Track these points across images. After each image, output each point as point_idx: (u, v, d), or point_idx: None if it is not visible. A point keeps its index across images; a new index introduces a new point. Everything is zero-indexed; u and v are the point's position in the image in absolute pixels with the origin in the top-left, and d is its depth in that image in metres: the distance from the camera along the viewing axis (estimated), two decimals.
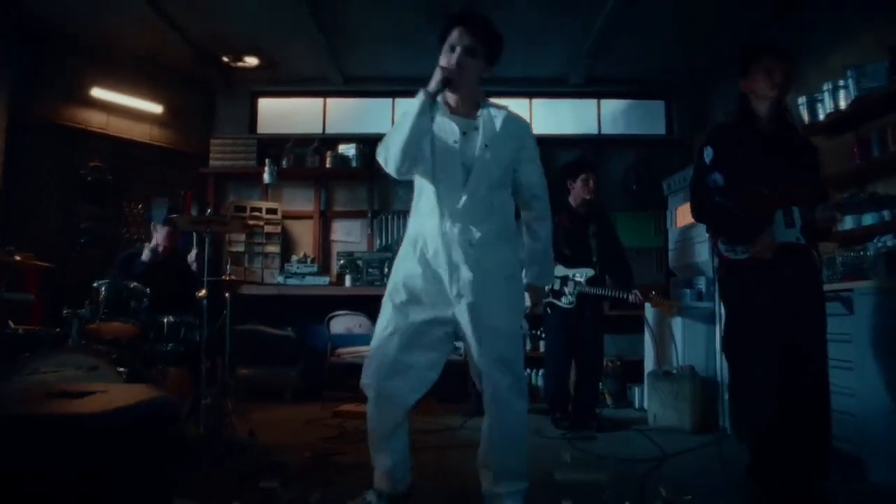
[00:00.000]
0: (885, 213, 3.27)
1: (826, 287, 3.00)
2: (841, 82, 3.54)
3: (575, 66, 5.73)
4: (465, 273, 1.95)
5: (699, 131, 5.92)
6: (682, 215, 4.76)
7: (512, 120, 2.06)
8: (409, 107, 1.93)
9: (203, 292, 3.22)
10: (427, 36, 4.93)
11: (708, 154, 2.46)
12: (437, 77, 1.91)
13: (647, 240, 5.71)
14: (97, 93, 5.25)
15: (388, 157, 1.96)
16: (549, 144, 6.16)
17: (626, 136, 6.24)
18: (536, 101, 6.28)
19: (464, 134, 2.00)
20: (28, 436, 1.00)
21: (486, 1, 4.51)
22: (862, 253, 3.16)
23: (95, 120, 5.31)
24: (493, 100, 2.11)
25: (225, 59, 5.62)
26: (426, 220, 2.02)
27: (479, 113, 2.04)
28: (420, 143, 1.94)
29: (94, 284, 3.04)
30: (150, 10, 4.59)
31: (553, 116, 6.28)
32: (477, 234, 1.96)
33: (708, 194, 2.44)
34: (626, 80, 6.12)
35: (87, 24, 4.93)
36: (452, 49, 1.96)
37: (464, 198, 1.96)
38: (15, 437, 0.99)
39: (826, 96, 3.64)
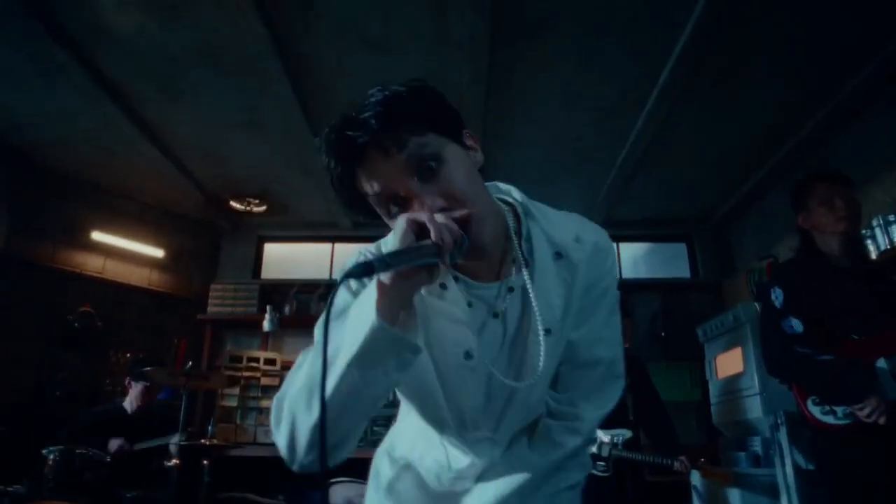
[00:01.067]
0: None
1: None
2: (892, 217, 3.25)
3: (592, 208, 5.56)
4: None
5: (725, 273, 5.63)
6: (724, 365, 4.28)
7: (597, 252, 1.04)
8: (345, 336, 0.84)
9: (175, 461, 2.70)
10: None
11: (777, 296, 2.08)
12: (411, 262, 0.79)
13: (684, 393, 5.14)
14: (97, 236, 5.05)
15: (295, 440, 0.87)
16: None
17: (650, 280, 5.92)
18: None
19: (482, 324, 0.98)
20: None
21: (498, 142, 4.46)
22: None
23: (91, 263, 5.07)
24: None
25: (233, 203, 5.51)
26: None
27: (513, 263, 0.99)
28: (363, 410, 0.88)
29: (44, 452, 2.55)
30: (160, 156, 4.52)
31: None
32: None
33: (786, 345, 2.01)
34: (646, 222, 5.93)
35: (94, 169, 4.87)
36: (395, 200, 0.90)
37: (498, 451, 1.05)
38: None
39: (878, 232, 3.33)
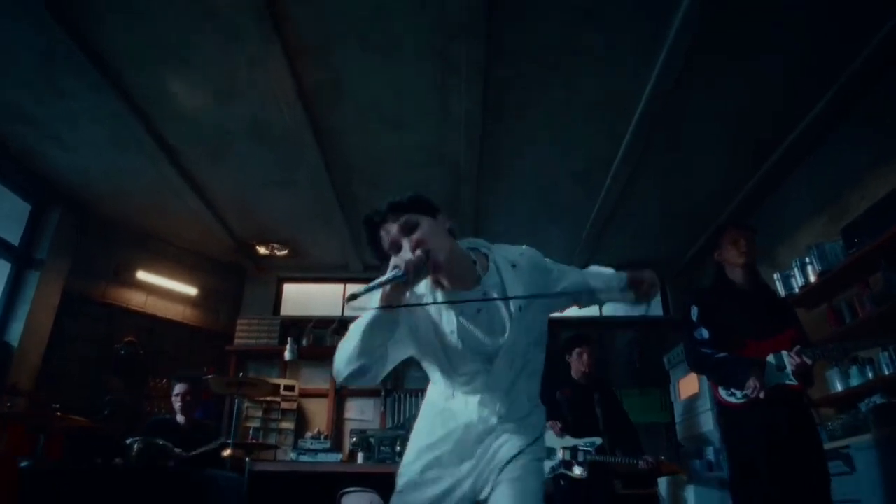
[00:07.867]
0: (870, 374, 3.50)
1: (827, 447, 3.17)
2: (807, 259, 4.02)
3: (574, 255, 6.34)
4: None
5: None
6: (685, 388, 4.97)
7: (523, 257, 1.71)
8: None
9: (229, 451, 3.37)
10: None
11: (694, 312, 2.81)
12: (388, 277, 1.44)
13: (655, 415, 5.82)
14: (141, 276, 5.82)
15: (339, 360, 1.55)
16: (556, 326, 6.52)
17: (627, 318, 6.65)
18: None
19: (472, 312, 1.59)
20: None
21: (489, 206, 5.26)
22: (855, 412, 3.35)
23: (135, 299, 5.82)
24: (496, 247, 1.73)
25: (259, 248, 6.28)
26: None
27: (481, 276, 1.63)
28: (378, 355, 1.55)
29: (127, 441, 3.22)
30: (203, 207, 5.32)
31: None
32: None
33: (696, 347, 2.74)
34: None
35: (144, 218, 5.69)
36: (397, 247, 1.56)
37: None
38: None
39: (796, 272, 4.09)
